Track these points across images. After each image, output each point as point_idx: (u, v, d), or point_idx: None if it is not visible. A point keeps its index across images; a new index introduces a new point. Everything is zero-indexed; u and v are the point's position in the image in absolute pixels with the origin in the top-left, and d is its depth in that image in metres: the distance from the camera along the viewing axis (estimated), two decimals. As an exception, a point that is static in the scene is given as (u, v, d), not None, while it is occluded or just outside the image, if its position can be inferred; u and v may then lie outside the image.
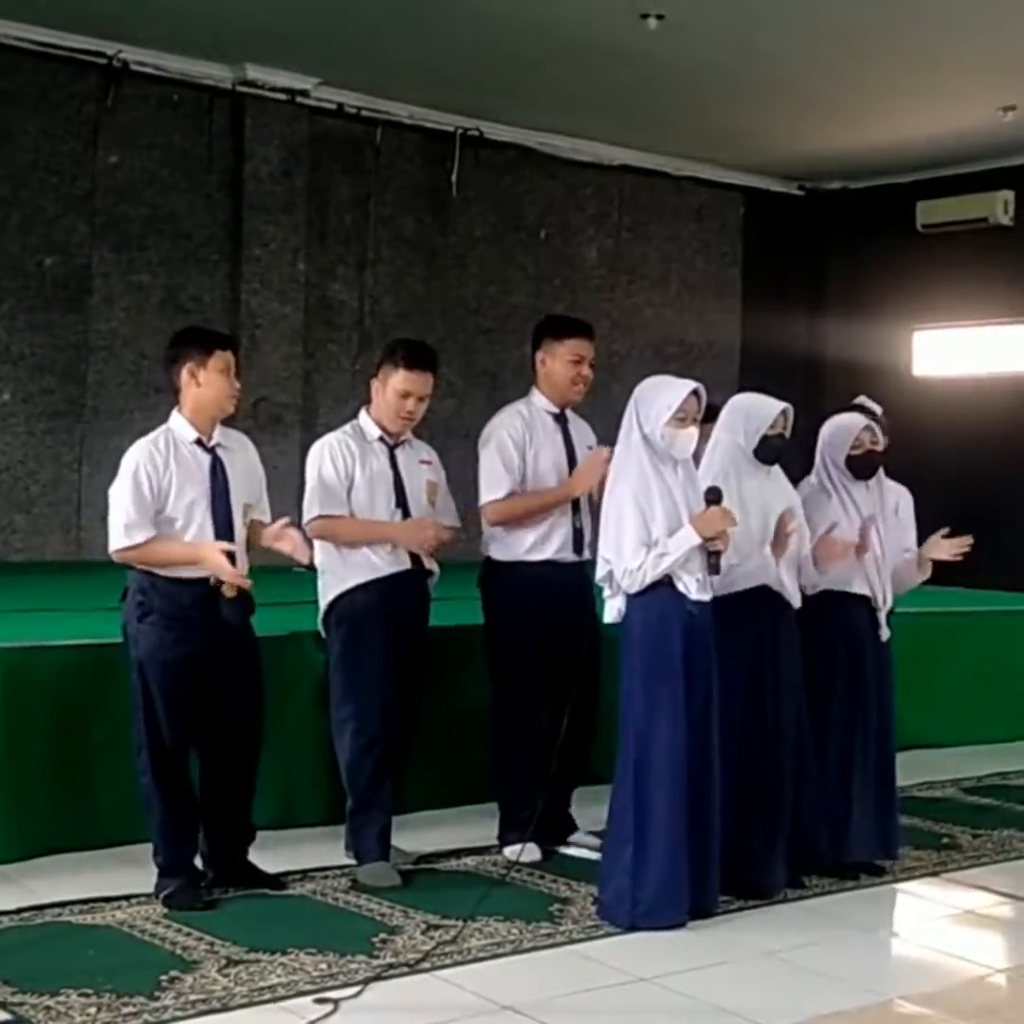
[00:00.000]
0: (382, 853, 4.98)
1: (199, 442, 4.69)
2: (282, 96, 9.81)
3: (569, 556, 5.24)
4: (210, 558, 4.54)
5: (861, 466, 5.22)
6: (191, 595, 4.59)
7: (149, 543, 4.57)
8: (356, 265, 10.52)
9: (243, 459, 4.81)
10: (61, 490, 9.26)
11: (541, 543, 5.21)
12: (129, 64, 9.25)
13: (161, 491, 4.59)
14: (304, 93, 9.89)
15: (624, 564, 4.53)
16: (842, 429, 5.25)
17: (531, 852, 5.19)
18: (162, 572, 4.60)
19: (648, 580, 4.53)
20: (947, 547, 5.35)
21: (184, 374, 4.67)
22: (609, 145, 11.37)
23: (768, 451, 4.93)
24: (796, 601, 4.99)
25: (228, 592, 4.62)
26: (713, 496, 4.63)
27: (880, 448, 5.25)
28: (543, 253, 11.45)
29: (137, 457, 4.62)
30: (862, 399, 6.02)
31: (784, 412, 4.94)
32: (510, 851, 5.22)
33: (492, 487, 5.22)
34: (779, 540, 4.88)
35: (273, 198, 9.87)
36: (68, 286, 9.28)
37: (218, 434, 4.74)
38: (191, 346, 4.72)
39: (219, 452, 4.71)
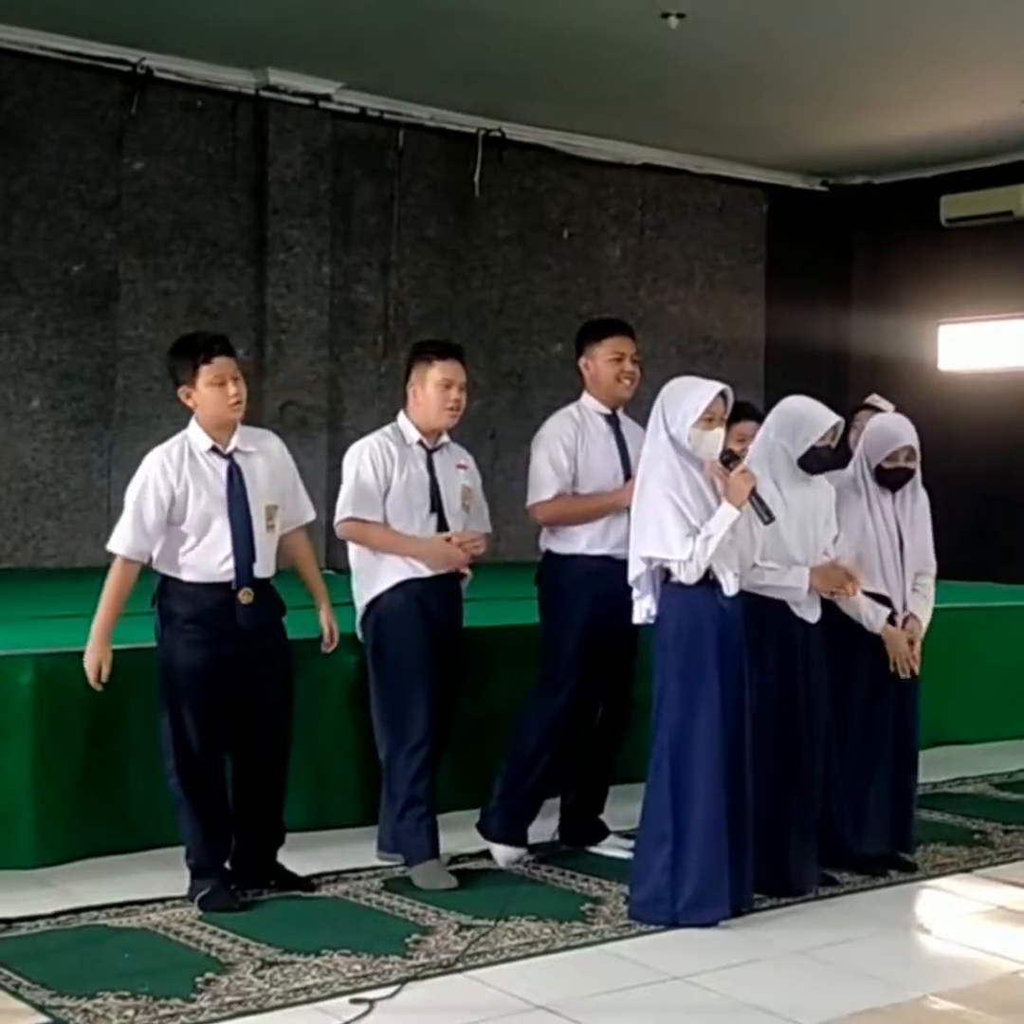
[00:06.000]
0: (433, 851, 4.99)
1: (215, 450, 4.69)
2: (305, 101, 9.85)
3: (627, 552, 5.23)
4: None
5: (889, 479, 5.20)
6: (212, 599, 4.62)
7: (128, 562, 4.64)
8: (380, 268, 10.55)
9: (266, 460, 4.78)
10: (91, 496, 9.32)
11: (599, 539, 5.22)
12: (153, 71, 9.30)
13: (175, 502, 4.60)
14: (326, 97, 9.93)
15: (676, 557, 4.56)
16: (886, 438, 5.21)
17: (508, 855, 5.25)
18: (184, 577, 4.63)
19: (703, 566, 4.55)
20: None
21: (181, 394, 4.69)
22: (631, 144, 11.37)
23: (813, 462, 4.93)
24: (812, 617, 4.97)
25: (244, 598, 4.65)
26: (727, 456, 4.65)
27: (913, 467, 5.21)
28: (567, 253, 11.45)
29: (148, 471, 4.63)
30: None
31: (835, 425, 4.94)
32: (498, 852, 5.27)
33: (539, 488, 5.26)
34: (828, 583, 4.90)
35: (297, 202, 9.91)
36: (95, 293, 9.34)
37: (237, 439, 4.72)
38: (180, 361, 4.69)
39: (237, 457, 4.70)
